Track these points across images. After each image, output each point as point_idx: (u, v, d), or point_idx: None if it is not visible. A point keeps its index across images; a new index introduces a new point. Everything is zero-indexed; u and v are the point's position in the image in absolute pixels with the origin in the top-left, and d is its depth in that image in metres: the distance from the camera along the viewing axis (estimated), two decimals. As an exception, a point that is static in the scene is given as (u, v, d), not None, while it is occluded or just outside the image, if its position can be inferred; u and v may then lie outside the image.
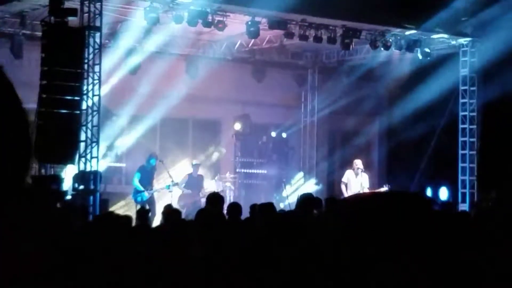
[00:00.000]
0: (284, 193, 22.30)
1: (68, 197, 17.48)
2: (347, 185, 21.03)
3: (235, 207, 11.19)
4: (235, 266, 6.85)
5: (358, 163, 21.25)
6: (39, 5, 19.37)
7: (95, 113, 18.60)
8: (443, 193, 24.04)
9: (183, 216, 12.85)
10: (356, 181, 20.99)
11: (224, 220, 8.93)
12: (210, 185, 23.52)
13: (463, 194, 23.06)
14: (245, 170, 26.26)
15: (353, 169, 21.20)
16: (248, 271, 6.76)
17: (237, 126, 25.91)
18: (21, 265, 1.98)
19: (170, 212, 12.09)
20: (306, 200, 11.97)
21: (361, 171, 21.10)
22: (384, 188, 21.19)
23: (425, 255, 2.71)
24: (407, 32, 22.53)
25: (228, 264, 6.85)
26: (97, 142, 18.57)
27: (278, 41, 24.00)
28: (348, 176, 21.15)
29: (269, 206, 10.59)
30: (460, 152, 23.28)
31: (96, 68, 18.63)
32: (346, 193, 20.83)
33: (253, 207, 11.83)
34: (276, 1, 19.27)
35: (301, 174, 26.91)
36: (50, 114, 17.63)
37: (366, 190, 20.88)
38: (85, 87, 18.32)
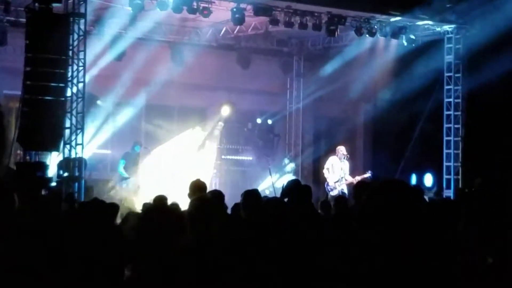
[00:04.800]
0: (270, 180, 22.34)
1: (53, 184, 17.43)
2: (329, 170, 21.20)
3: (216, 194, 11.00)
4: (224, 256, 6.86)
5: (341, 149, 21.38)
6: (24, -9, 19.26)
7: (80, 99, 18.56)
8: (428, 180, 24.12)
9: None
10: (339, 167, 21.15)
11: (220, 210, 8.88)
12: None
13: (448, 181, 23.15)
14: (230, 157, 26.26)
15: (337, 155, 21.33)
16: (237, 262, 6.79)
17: (225, 112, 25.81)
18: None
19: (159, 199, 12.03)
20: (294, 187, 11.84)
21: (344, 158, 21.22)
22: (367, 175, 21.32)
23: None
24: (392, 19, 22.53)
25: (216, 253, 6.86)
26: (82, 129, 18.54)
27: (263, 27, 23.97)
28: (332, 162, 21.29)
29: (254, 193, 10.51)
30: (445, 138, 23.36)
31: (81, 55, 18.58)
32: (330, 179, 21.04)
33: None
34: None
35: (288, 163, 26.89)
36: (34, 101, 17.56)
37: (347, 177, 21.07)
38: (69, 74, 18.26)
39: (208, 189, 11.76)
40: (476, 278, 4.47)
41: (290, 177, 23.22)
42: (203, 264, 6.54)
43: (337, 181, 21.12)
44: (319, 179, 22.36)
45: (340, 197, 15.14)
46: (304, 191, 12.00)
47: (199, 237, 6.77)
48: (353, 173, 21.44)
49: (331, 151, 22.07)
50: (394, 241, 2.70)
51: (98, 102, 22.63)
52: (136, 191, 21.22)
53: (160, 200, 11.26)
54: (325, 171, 21.34)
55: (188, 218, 7.11)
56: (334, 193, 21.01)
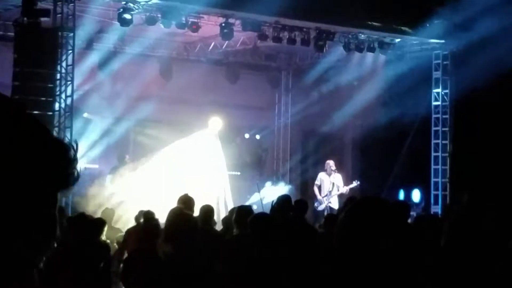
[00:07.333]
0: (257, 195, 22.30)
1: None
2: (320, 186, 21.24)
3: (205, 209, 11.10)
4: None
5: (330, 163, 21.44)
6: (12, 6, 19.25)
7: (67, 114, 18.52)
8: (416, 195, 24.14)
9: None
10: (328, 181, 21.19)
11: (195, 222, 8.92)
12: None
13: (436, 196, 23.17)
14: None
15: (325, 170, 21.38)
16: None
17: (213, 126, 25.69)
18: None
19: (147, 213, 12.06)
20: (285, 202, 11.87)
21: (333, 171, 21.29)
22: (354, 184, 21.42)
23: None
24: (380, 34, 22.61)
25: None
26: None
27: (252, 43, 24.02)
28: (321, 177, 21.35)
29: (247, 209, 10.61)
30: (433, 154, 23.40)
31: (69, 69, 18.56)
32: (319, 195, 21.05)
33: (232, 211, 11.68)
34: (249, 3, 19.24)
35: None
36: (22, 115, 17.50)
37: (341, 189, 21.12)
38: (57, 89, 18.24)
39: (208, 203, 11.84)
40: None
41: (279, 192, 23.22)
42: (177, 269, 6.63)
43: (325, 196, 21.15)
44: (308, 194, 22.36)
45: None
46: (297, 207, 12.05)
47: (174, 244, 6.89)
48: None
49: (319, 165, 22.12)
50: (372, 268, 2.70)
51: (85, 115, 22.57)
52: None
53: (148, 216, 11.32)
54: (315, 188, 21.47)
55: (164, 228, 7.27)
56: (321, 207, 21.06)
